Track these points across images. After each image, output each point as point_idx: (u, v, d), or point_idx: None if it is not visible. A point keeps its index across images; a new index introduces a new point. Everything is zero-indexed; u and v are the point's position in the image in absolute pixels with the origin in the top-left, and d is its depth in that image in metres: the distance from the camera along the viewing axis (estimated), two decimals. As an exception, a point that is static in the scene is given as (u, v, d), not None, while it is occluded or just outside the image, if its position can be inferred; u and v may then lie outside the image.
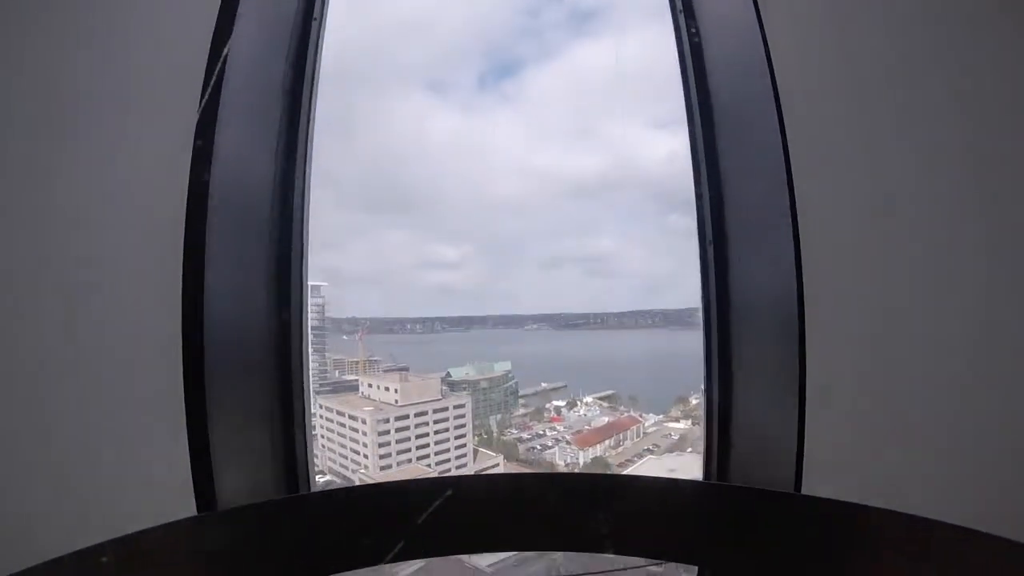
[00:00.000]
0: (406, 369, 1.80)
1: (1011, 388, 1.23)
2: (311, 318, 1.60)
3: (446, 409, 1.73)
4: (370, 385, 1.72)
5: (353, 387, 1.76)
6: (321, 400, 1.65)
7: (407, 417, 1.72)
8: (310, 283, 1.58)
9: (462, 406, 1.72)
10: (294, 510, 0.86)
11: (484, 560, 1.67)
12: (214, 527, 0.78)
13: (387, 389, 1.70)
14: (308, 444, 1.46)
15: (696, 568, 1.52)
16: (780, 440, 1.29)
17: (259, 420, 1.41)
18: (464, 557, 1.65)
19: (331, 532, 0.86)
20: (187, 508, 1.05)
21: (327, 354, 1.70)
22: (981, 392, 1.25)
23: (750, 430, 1.51)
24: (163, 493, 1.11)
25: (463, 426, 1.73)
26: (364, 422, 1.68)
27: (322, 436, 1.65)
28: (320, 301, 1.66)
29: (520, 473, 1.62)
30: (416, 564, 1.57)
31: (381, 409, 1.68)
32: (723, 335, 1.58)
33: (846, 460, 1.26)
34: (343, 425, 1.67)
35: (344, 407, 1.67)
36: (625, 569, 1.31)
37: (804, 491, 1.18)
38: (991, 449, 1.23)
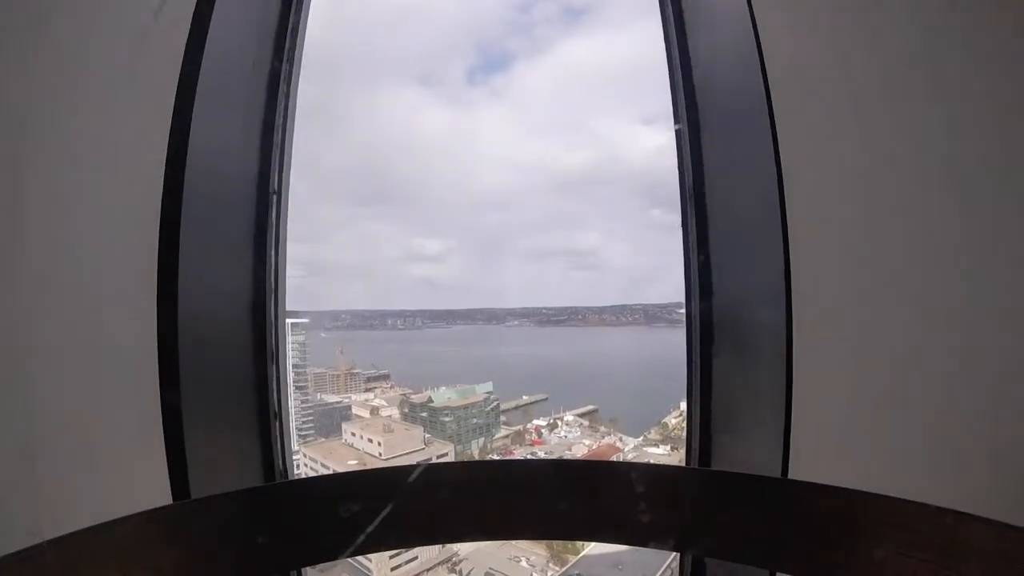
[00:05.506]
0: (387, 377, 1.83)
1: (997, 388, 1.23)
2: (291, 356, 1.62)
3: (429, 459, 1.76)
4: (353, 434, 1.76)
5: (336, 410, 1.78)
6: (305, 450, 1.68)
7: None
8: (290, 321, 1.58)
9: (445, 455, 1.75)
10: (250, 504, 0.84)
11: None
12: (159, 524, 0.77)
13: (371, 441, 1.73)
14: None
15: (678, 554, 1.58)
16: (764, 445, 1.31)
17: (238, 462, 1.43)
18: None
19: (288, 525, 0.81)
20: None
21: (308, 368, 1.71)
22: (971, 396, 1.25)
23: (734, 435, 1.53)
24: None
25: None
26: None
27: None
28: (301, 339, 1.66)
29: (498, 460, 1.66)
30: None
31: (365, 464, 1.71)
32: (706, 338, 1.57)
33: (831, 464, 1.28)
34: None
35: (328, 459, 1.71)
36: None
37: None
38: (978, 458, 1.24)
